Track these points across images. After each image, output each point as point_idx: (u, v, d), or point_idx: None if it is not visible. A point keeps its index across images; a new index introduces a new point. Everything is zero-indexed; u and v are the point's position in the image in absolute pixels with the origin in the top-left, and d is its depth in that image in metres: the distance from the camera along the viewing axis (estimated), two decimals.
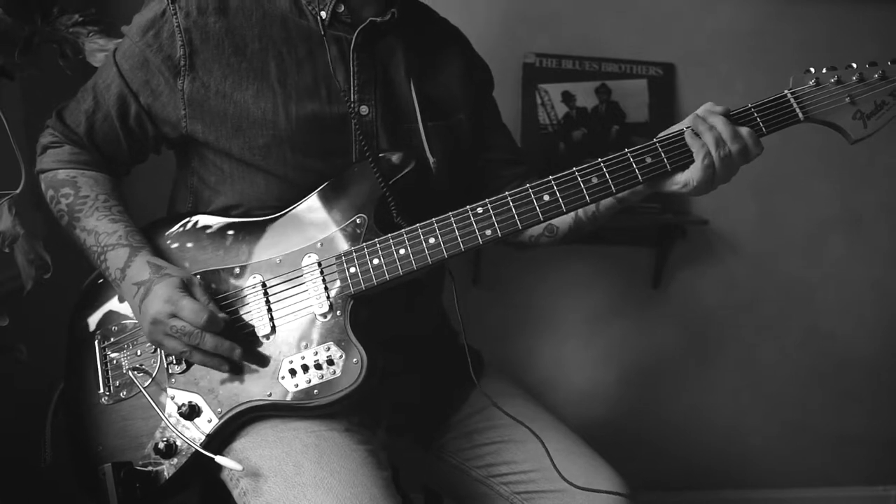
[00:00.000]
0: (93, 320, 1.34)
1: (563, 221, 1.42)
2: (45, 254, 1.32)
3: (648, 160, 1.20)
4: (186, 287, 1.20)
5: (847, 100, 1.20)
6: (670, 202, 2.18)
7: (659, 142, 1.20)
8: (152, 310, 1.17)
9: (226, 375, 1.22)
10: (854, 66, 1.21)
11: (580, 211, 1.37)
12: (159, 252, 1.29)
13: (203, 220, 1.32)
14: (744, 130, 1.19)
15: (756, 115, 1.20)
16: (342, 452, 1.18)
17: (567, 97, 2.13)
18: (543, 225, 1.42)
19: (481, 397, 1.45)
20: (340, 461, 1.17)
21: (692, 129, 1.19)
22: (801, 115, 1.20)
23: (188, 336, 1.16)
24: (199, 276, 1.26)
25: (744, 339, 2.40)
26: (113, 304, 1.33)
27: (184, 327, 1.16)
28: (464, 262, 2.20)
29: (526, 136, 2.10)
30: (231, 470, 1.19)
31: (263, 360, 1.22)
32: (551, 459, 1.29)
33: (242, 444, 1.22)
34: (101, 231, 1.27)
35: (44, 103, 1.41)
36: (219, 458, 1.17)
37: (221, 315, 1.19)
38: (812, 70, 1.22)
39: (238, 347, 1.20)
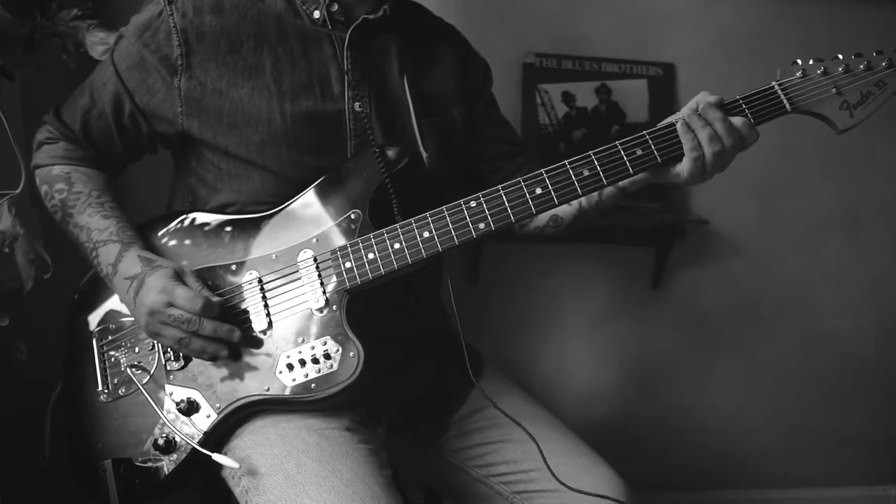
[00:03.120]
0: (91, 319, 1.35)
1: (567, 211, 1.43)
2: (45, 254, 1.32)
3: (639, 152, 1.21)
4: (179, 276, 1.22)
5: (833, 90, 1.22)
6: (670, 202, 2.19)
7: (649, 134, 1.21)
8: (148, 301, 1.19)
9: (224, 371, 1.23)
10: (840, 57, 1.23)
11: (583, 201, 1.39)
12: (154, 249, 1.30)
13: (198, 217, 1.33)
14: (738, 121, 1.20)
15: (745, 106, 1.22)
16: (344, 451, 1.19)
17: (567, 97, 2.14)
18: (548, 216, 1.44)
19: (481, 397, 1.45)
20: (342, 460, 1.17)
21: (686, 123, 1.20)
22: (788, 105, 1.22)
23: (187, 323, 1.17)
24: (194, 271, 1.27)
25: (744, 339, 2.39)
26: (111, 303, 1.34)
27: (181, 315, 1.17)
28: (464, 261, 2.20)
29: (526, 136, 2.10)
30: (232, 468, 1.20)
31: (261, 356, 1.22)
32: (545, 461, 1.29)
33: (244, 442, 1.22)
34: (93, 227, 1.28)
35: (43, 103, 1.42)
36: (216, 456, 1.17)
37: (216, 299, 1.21)
38: (799, 62, 1.23)
39: (237, 330, 1.21)
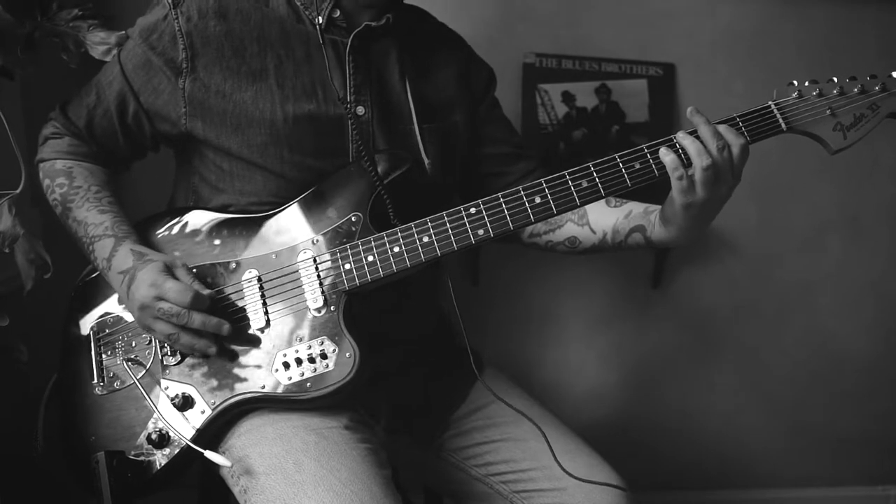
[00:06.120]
0: (89, 313, 1.35)
1: (588, 238, 1.44)
2: (45, 254, 1.33)
3: (637, 165, 1.22)
4: (170, 270, 1.22)
5: (828, 112, 1.24)
6: None
7: (647, 147, 1.22)
8: (138, 295, 1.19)
9: (220, 368, 1.23)
10: (835, 80, 1.26)
11: (608, 233, 1.40)
12: (153, 246, 1.31)
13: (199, 215, 1.34)
14: (722, 128, 1.20)
15: (741, 124, 1.23)
16: (342, 450, 1.19)
17: (567, 97, 2.14)
18: (566, 235, 1.45)
19: (480, 396, 1.46)
20: (341, 459, 1.17)
21: (672, 143, 1.21)
22: (784, 125, 1.24)
23: (176, 317, 1.17)
24: (194, 269, 1.27)
25: (744, 339, 2.39)
26: (109, 297, 1.34)
27: (170, 308, 1.17)
28: (463, 263, 2.21)
29: (526, 136, 2.10)
30: (230, 467, 1.20)
31: (258, 353, 1.23)
32: (551, 449, 1.30)
33: (242, 441, 1.23)
34: (90, 222, 1.29)
35: (43, 103, 1.43)
36: (208, 453, 1.18)
37: (206, 292, 1.21)
38: (795, 83, 1.26)
39: (226, 323, 1.21)
